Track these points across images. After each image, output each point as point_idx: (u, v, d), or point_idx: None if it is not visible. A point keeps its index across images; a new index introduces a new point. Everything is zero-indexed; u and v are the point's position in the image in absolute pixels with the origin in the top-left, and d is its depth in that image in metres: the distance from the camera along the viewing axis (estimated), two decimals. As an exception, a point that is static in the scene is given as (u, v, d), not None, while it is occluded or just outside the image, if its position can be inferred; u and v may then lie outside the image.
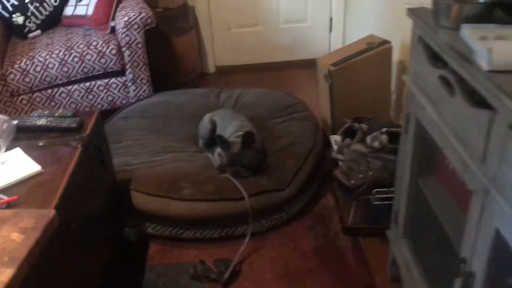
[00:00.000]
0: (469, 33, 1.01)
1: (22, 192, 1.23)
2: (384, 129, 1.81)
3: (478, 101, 0.94)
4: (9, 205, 1.17)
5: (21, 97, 2.35)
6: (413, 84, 1.28)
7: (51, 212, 1.12)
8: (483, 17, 1.08)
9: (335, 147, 1.98)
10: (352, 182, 1.71)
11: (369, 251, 1.79)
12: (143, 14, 2.38)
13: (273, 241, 1.88)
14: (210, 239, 1.86)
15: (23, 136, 1.48)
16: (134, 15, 2.37)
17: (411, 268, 1.42)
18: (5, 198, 1.19)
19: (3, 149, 1.36)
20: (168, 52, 3.01)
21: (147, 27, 2.42)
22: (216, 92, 2.56)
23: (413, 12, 1.23)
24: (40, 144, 1.45)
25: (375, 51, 2.06)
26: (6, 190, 1.23)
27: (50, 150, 1.42)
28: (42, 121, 1.51)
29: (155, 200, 1.80)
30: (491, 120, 0.89)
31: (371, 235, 1.83)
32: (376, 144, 1.80)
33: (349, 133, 2.00)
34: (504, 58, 0.86)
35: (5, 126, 1.39)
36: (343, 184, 1.73)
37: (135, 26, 2.38)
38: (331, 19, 3.33)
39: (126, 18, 2.37)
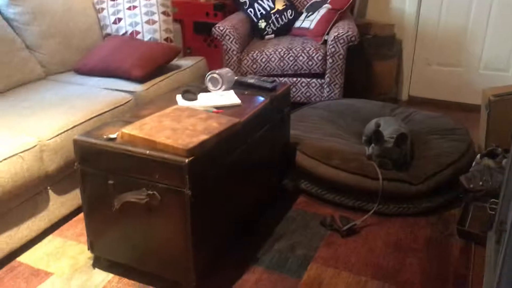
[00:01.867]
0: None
1: (227, 110, 1.94)
2: (520, 154, 2.01)
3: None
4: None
5: (247, 78, 3.19)
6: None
7: (237, 120, 1.79)
8: None
9: (473, 163, 2.23)
10: (471, 186, 1.98)
11: (476, 254, 2.01)
12: (349, 32, 3.00)
13: (395, 223, 2.23)
14: (344, 205, 2.33)
15: (238, 87, 2.22)
16: (342, 32, 3.01)
17: (490, 258, 1.65)
18: (214, 110, 1.92)
19: (224, 87, 2.12)
20: (368, 72, 3.56)
21: (350, 44, 3.02)
22: (393, 107, 2.99)
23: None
24: (246, 92, 2.16)
25: (539, 92, 2.24)
26: (220, 107, 1.96)
27: (250, 97, 2.12)
28: (251, 80, 2.23)
29: (310, 161, 2.36)
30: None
31: (484, 244, 2.03)
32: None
33: (492, 156, 2.22)
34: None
35: (229, 74, 2.15)
36: (463, 186, 2.01)
37: (341, 41, 3.00)
38: (534, 73, 3.40)
39: (336, 34, 3.02)
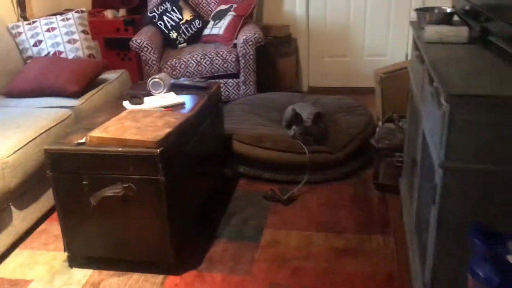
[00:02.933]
0: (429, 28, 1.78)
1: (174, 108, 2.20)
2: (411, 116, 2.53)
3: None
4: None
5: (168, 84, 3.43)
6: (410, 67, 2.04)
7: (189, 114, 2.06)
8: (444, 21, 1.84)
9: (377, 129, 2.73)
10: (380, 145, 2.45)
11: (391, 201, 2.48)
12: (256, 35, 3.39)
13: (323, 188, 2.64)
14: (280, 180, 2.69)
15: (175, 89, 2.48)
16: (250, 35, 3.39)
17: (405, 197, 2.12)
18: (164, 109, 2.17)
19: (165, 90, 2.37)
20: (273, 70, 3.98)
21: (258, 45, 3.41)
22: (301, 95, 3.44)
23: (411, 23, 2.02)
24: (184, 93, 2.43)
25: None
26: (167, 107, 2.21)
27: (189, 96, 2.39)
28: (187, 82, 2.51)
29: (246, 147, 2.69)
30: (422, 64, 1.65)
31: (397, 193, 2.51)
32: (404, 125, 2.53)
33: (390, 121, 2.74)
34: (429, 35, 1.63)
35: (167, 78, 2.41)
36: (373, 147, 2.48)
37: (250, 43, 3.38)
38: (406, 55, 4.08)
39: (244, 37, 3.39)
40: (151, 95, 2.37)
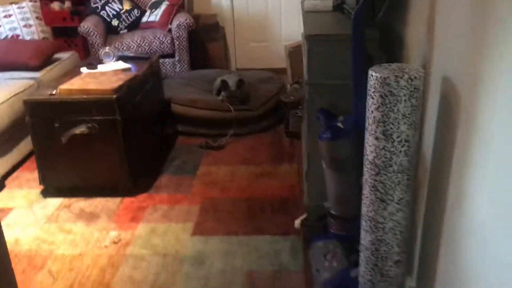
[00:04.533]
0: (307, 2, 2.48)
1: (123, 71, 2.78)
2: (311, 78, 3.25)
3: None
4: (118, 73, 2.73)
5: (113, 64, 3.98)
6: (302, 34, 2.76)
7: (135, 73, 2.66)
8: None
9: (287, 90, 3.44)
10: (287, 100, 3.16)
11: (297, 143, 3.20)
12: (188, 20, 4.02)
13: (247, 138, 3.32)
14: (212, 135, 3.33)
15: (122, 59, 3.05)
16: (182, 20, 4.01)
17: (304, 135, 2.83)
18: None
19: (114, 59, 2.95)
20: (204, 53, 4.61)
21: (189, 29, 4.04)
22: (229, 71, 4.11)
23: (301, 3, 2.74)
24: (130, 62, 3.02)
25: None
26: (117, 70, 2.79)
27: (134, 64, 2.99)
28: (131, 54, 3.10)
29: (182, 108, 3.31)
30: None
31: (300, 137, 3.23)
32: (306, 85, 3.25)
33: (297, 83, 3.46)
34: (307, 7, 2.35)
35: (115, 51, 2.99)
36: (283, 101, 3.19)
37: (183, 27, 4.01)
38: (317, 39, 4.85)
39: (178, 22, 4.01)
40: (103, 63, 2.93)
